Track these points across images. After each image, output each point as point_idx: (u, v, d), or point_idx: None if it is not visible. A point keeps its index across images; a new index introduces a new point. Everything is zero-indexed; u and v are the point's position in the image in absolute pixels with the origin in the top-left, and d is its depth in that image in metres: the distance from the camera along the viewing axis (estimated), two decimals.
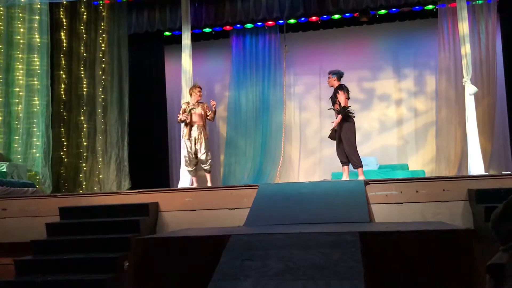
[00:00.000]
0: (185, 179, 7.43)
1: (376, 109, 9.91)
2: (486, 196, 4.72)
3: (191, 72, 7.79)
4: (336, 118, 6.68)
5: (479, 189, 4.86)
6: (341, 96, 6.62)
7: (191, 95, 7.27)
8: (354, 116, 6.74)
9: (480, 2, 8.64)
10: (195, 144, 7.05)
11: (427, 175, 8.68)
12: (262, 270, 3.00)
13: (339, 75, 6.88)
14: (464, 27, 6.94)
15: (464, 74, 6.98)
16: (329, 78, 6.93)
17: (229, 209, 5.45)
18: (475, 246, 3.22)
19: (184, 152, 7.15)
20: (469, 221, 4.88)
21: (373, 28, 9.74)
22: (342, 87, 6.72)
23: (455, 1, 7.23)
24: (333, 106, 6.75)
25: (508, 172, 7.50)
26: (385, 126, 9.85)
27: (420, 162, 9.53)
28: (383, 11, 9.28)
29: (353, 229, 3.63)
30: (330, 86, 6.95)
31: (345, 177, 6.76)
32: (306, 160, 10.07)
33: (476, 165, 6.63)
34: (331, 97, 6.83)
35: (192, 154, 7.05)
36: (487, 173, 6.86)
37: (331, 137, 6.84)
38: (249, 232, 3.86)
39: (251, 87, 9.97)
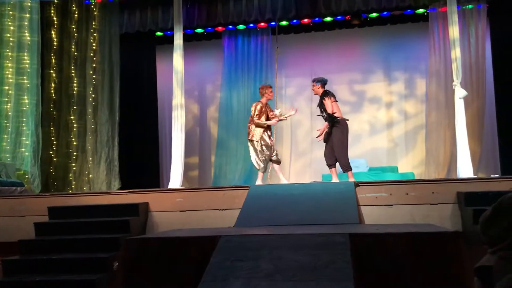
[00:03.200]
0: (176, 179, 7.40)
1: (366, 112, 9.97)
2: (474, 199, 4.76)
3: (183, 72, 7.77)
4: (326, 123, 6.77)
5: (468, 192, 4.90)
6: (327, 102, 6.70)
7: (262, 95, 7.23)
8: (347, 120, 6.79)
9: (470, 6, 8.72)
10: (269, 142, 7.12)
11: (416, 177, 8.75)
12: (252, 271, 3.01)
13: (323, 82, 6.96)
14: (454, 31, 7.00)
15: (454, 78, 7.03)
16: (313, 86, 7.03)
17: (220, 210, 5.45)
18: (464, 248, 3.25)
19: (259, 153, 7.07)
20: (458, 224, 4.92)
21: (365, 31, 9.79)
22: (327, 93, 6.81)
23: (446, 5, 7.29)
24: (322, 113, 6.82)
25: (497, 176, 7.57)
26: (375, 129, 9.91)
27: (410, 164, 9.60)
28: (374, 14, 9.34)
29: (343, 230, 3.64)
30: (315, 94, 7.05)
31: (334, 179, 6.80)
32: (297, 162, 10.10)
33: (465, 168, 6.69)
34: (319, 105, 6.91)
35: (270, 150, 7.10)
36: (475, 176, 6.92)
37: (325, 140, 6.90)
38: (239, 233, 3.86)
39: (243, 88, 9.97)
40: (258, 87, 9.79)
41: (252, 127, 7.12)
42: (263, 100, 7.22)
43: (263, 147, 7.05)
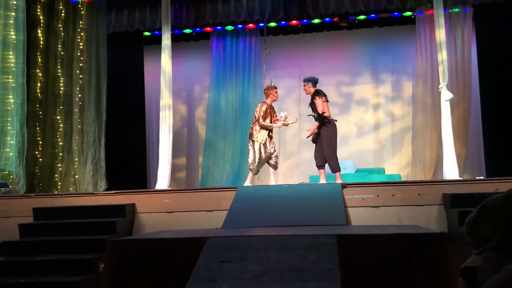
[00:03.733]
0: (163, 180, 7.36)
1: (354, 114, 10.02)
2: (460, 200, 4.81)
3: (171, 72, 7.74)
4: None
5: (454, 193, 4.95)
6: (318, 101, 6.73)
7: (267, 96, 7.15)
8: (336, 121, 6.84)
9: (456, 10, 8.82)
10: (269, 146, 7.02)
11: (403, 179, 8.80)
12: (239, 272, 3.00)
13: (314, 81, 6.99)
14: (441, 34, 7.07)
15: (441, 80, 7.10)
16: (304, 86, 7.04)
17: (207, 211, 5.44)
18: (449, 249, 3.28)
19: (257, 155, 7.00)
20: (444, 225, 4.97)
21: (352, 33, 9.85)
22: (318, 93, 6.84)
23: (433, 8, 7.37)
24: (313, 113, 6.84)
25: (482, 177, 7.65)
26: (362, 130, 9.96)
27: (397, 166, 9.66)
28: (362, 17, 9.39)
29: (330, 231, 3.65)
30: (307, 94, 7.06)
31: (322, 181, 6.82)
32: (285, 163, 10.10)
33: (451, 170, 6.75)
34: (310, 104, 6.92)
35: (268, 153, 7.01)
36: (461, 178, 6.98)
37: (314, 140, 6.92)
38: (227, 234, 3.85)
39: (231, 89, 9.96)
40: (246, 88, 9.88)
41: (256, 128, 7.05)
42: (268, 101, 7.15)
43: (263, 150, 7.01)
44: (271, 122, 7.09)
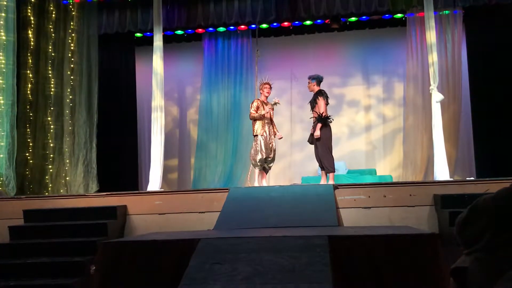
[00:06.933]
0: (155, 182, 7.34)
1: (345, 115, 10.05)
2: (450, 201, 4.85)
3: (162, 74, 7.73)
4: (314, 123, 6.81)
5: (444, 194, 4.99)
6: (320, 102, 6.75)
7: (259, 91, 7.41)
8: (331, 122, 6.87)
9: (446, 12, 8.88)
10: (269, 141, 7.11)
11: (394, 180, 8.84)
12: (231, 274, 3.00)
13: (319, 79, 7.01)
14: (431, 36, 7.12)
15: (431, 82, 7.15)
16: (308, 83, 7.06)
17: (199, 212, 5.43)
18: (440, 250, 3.30)
19: (258, 146, 7.06)
20: (435, 226, 5.00)
21: (344, 35, 9.89)
22: (321, 93, 6.84)
23: (423, 10, 7.42)
24: (312, 111, 6.86)
25: (472, 178, 7.71)
26: (354, 132, 10.00)
27: (388, 167, 9.71)
28: (353, 19, 9.43)
29: (322, 233, 3.66)
30: (310, 91, 7.07)
31: (323, 181, 6.82)
32: (277, 164, 10.05)
33: (441, 171, 6.79)
34: (311, 102, 6.94)
35: (269, 150, 7.08)
36: (452, 179, 7.03)
37: (310, 141, 6.94)
38: (218, 236, 3.85)
39: (223, 90, 9.96)
40: (238, 89, 9.89)
41: (254, 123, 7.20)
42: (261, 97, 7.35)
43: (263, 142, 7.03)
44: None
